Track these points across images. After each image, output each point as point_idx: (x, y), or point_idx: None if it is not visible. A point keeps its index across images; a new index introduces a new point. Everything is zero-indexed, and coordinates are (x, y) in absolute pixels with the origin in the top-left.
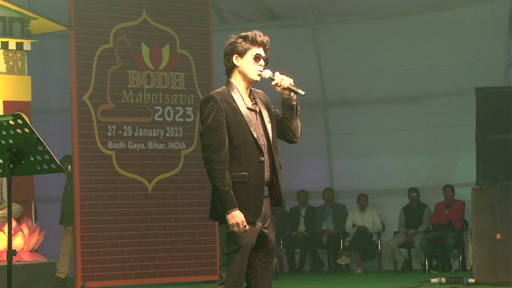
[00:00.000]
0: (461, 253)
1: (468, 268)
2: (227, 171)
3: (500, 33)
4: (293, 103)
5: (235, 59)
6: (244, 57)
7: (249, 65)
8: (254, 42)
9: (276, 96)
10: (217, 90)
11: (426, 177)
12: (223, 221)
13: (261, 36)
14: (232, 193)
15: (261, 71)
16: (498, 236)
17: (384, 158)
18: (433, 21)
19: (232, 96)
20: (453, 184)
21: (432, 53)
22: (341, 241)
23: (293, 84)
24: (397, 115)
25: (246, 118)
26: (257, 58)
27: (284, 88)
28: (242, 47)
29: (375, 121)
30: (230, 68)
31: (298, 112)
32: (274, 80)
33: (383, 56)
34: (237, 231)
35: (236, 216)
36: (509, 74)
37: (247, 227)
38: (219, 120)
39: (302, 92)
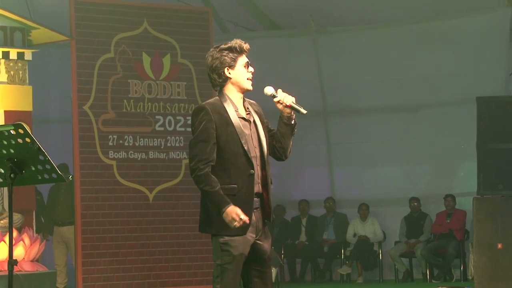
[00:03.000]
0: (462, 262)
1: (470, 277)
2: (212, 176)
3: (501, 42)
4: (292, 123)
5: (227, 72)
6: (235, 67)
7: (242, 74)
8: (242, 51)
9: (267, 107)
10: (209, 100)
11: (427, 186)
12: (215, 233)
13: (245, 43)
14: (221, 192)
15: (251, 78)
16: (500, 246)
17: (385, 168)
18: (433, 30)
19: (225, 107)
20: (454, 194)
21: (433, 63)
22: (342, 251)
23: (295, 102)
24: (398, 124)
25: (237, 130)
26: (246, 65)
27: (286, 106)
28: (231, 58)
29: (376, 130)
30: (222, 82)
31: (294, 132)
32: (277, 97)
33: (383, 65)
34: (237, 225)
35: (231, 212)
36: (510, 83)
37: (245, 218)
38: (208, 132)
39: (304, 111)
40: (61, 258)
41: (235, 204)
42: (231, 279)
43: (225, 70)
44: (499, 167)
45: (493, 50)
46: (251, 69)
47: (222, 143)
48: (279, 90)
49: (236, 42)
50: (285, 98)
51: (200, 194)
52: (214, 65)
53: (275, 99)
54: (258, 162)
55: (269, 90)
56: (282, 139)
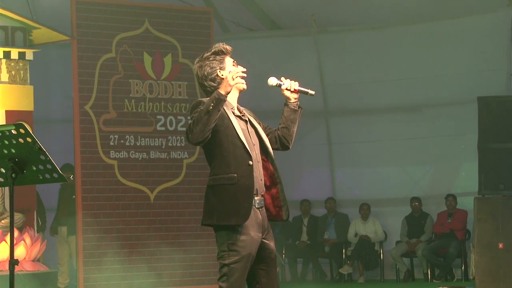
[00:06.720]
0: (463, 262)
1: (471, 277)
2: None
3: (502, 42)
4: (299, 107)
5: (220, 74)
6: (226, 68)
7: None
8: (226, 52)
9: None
10: (206, 98)
11: (428, 186)
12: (216, 223)
13: (226, 45)
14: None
15: (243, 77)
16: (501, 246)
17: (386, 167)
18: (435, 30)
19: None
20: (455, 194)
21: (434, 62)
22: (344, 250)
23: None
24: (399, 124)
25: (234, 124)
26: (235, 64)
27: (294, 91)
28: (219, 60)
29: (377, 130)
30: (217, 86)
31: (300, 117)
32: (284, 84)
33: (385, 65)
34: (240, 76)
35: (225, 81)
36: (511, 83)
37: (240, 68)
38: None
39: (313, 92)
40: (63, 257)
41: (235, 194)
42: (238, 279)
43: (218, 72)
44: (500, 167)
45: (494, 50)
46: (240, 67)
47: (221, 134)
48: (282, 78)
49: (218, 46)
50: (291, 84)
51: (201, 192)
52: (205, 72)
53: (283, 87)
54: (258, 159)
55: (273, 81)
56: (290, 126)
